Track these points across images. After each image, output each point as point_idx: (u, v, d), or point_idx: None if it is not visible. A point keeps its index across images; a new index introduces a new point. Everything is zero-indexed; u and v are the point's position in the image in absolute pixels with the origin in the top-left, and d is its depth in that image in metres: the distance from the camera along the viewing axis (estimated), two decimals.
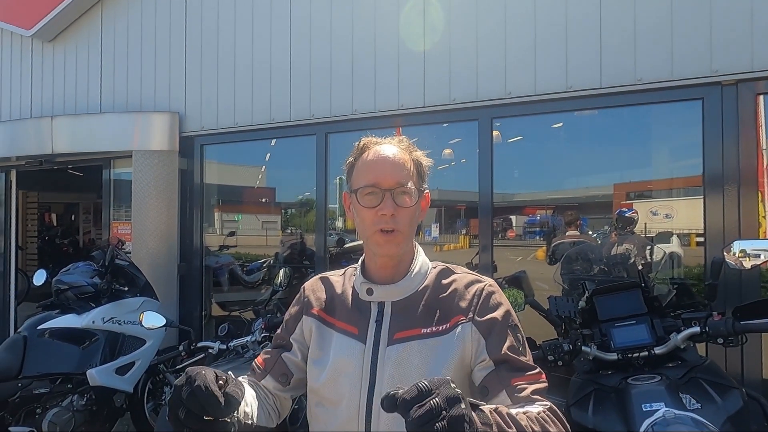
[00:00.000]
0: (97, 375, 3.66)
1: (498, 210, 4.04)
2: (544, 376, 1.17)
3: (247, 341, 3.32)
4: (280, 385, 1.34)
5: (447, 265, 1.33)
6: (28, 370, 3.56)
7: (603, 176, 4.18)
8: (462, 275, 1.29)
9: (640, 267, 2.95)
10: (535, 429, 0.97)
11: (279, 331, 1.42)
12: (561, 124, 3.99)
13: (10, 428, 3.51)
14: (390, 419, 1.06)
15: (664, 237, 3.77)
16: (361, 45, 4.31)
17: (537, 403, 1.09)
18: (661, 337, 2.20)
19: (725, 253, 2.32)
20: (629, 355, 2.18)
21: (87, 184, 8.96)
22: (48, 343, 3.71)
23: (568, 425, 1.09)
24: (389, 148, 1.27)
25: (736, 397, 1.95)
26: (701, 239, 3.28)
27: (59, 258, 9.86)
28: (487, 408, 0.88)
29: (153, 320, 3.37)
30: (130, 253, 4.98)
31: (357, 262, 1.36)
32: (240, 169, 5.96)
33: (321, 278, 1.42)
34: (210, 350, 3.43)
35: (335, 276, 1.41)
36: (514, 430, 0.91)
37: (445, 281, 1.28)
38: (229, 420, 1.03)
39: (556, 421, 1.05)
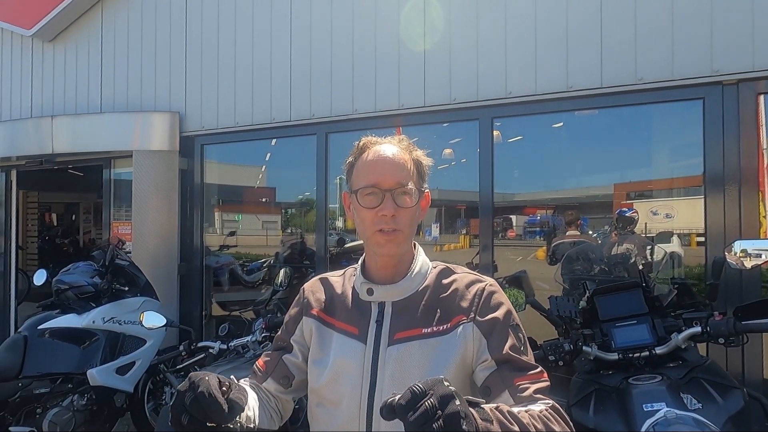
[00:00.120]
0: (98, 375, 3.66)
1: (498, 210, 4.04)
2: (546, 375, 1.17)
3: (247, 341, 3.32)
4: (281, 387, 1.34)
5: (447, 264, 1.33)
6: (29, 369, 3.56)
7: (603, 176, 4.17)
8: (462, 275, 1.28)
9: (640, 267, 2.94)
10: (538, 427, 0.96)
11: (279, 333, 1.41)
12: (561, 123, 3.98)
13: (10, 428, 3.51)
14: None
15: (665, 237, 3.76)
16: (362, 45, 4.30)
17: (540, 401, 1.08)
18: (662, 337, 2.21)
19: (726, 253, 2.32)
20: (630, 355, 2.18)
21: (87, 184, 8.96)
22: (48, 343, 3.71)
23: (571, 423, 1.08)
24: (389, 147, 1.26)
25: (737, 397, 1.95)
26: (702, 239, 3.28)
27: (59, 258, 9.86)
28: (487, 406, 0.88)
29: (153, 320, 3.37)
30: (130, 252, 4.97)
31: (357, 263, 1.36)
32: (240, 169, 5.96)
33: (320, 279, 1.41)
34: (210, 350, 3.43)
35: (335, 276, 1.40)
36: (516, 428, 0.90)
37: (445, 281, 1.27)
38: (231, 426, 1.02)
39: (560, 419, 1.04)
